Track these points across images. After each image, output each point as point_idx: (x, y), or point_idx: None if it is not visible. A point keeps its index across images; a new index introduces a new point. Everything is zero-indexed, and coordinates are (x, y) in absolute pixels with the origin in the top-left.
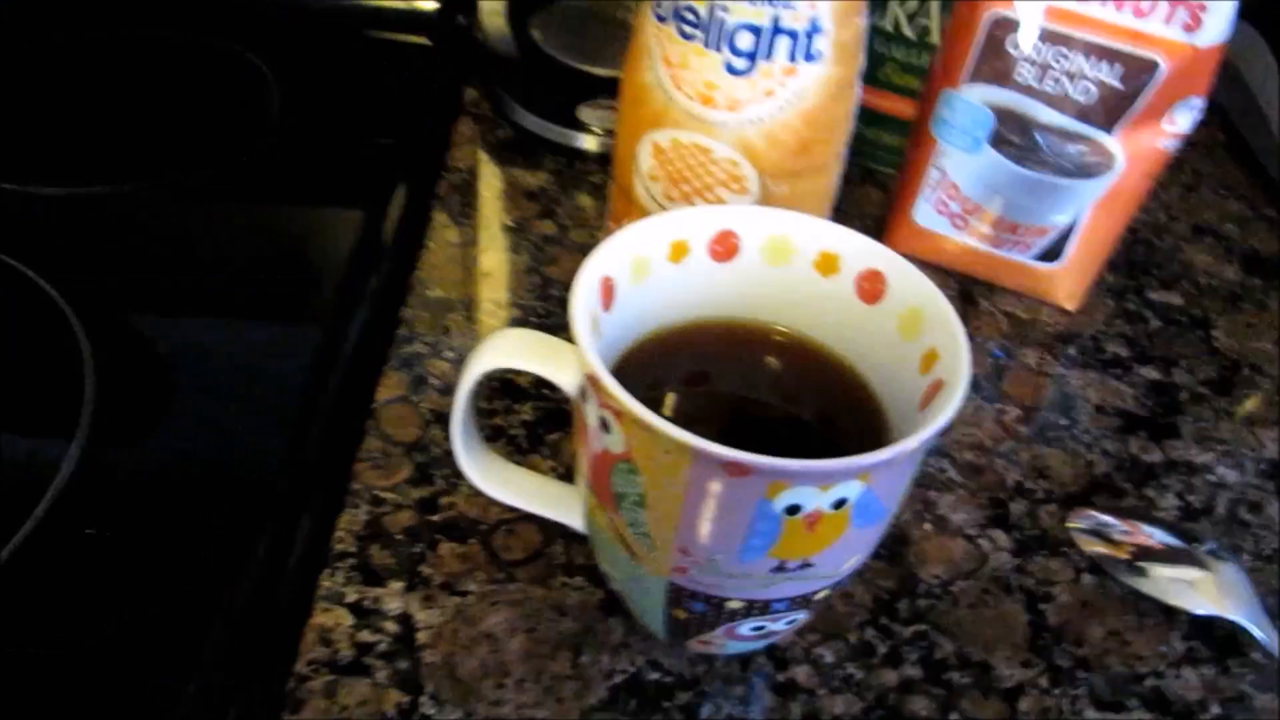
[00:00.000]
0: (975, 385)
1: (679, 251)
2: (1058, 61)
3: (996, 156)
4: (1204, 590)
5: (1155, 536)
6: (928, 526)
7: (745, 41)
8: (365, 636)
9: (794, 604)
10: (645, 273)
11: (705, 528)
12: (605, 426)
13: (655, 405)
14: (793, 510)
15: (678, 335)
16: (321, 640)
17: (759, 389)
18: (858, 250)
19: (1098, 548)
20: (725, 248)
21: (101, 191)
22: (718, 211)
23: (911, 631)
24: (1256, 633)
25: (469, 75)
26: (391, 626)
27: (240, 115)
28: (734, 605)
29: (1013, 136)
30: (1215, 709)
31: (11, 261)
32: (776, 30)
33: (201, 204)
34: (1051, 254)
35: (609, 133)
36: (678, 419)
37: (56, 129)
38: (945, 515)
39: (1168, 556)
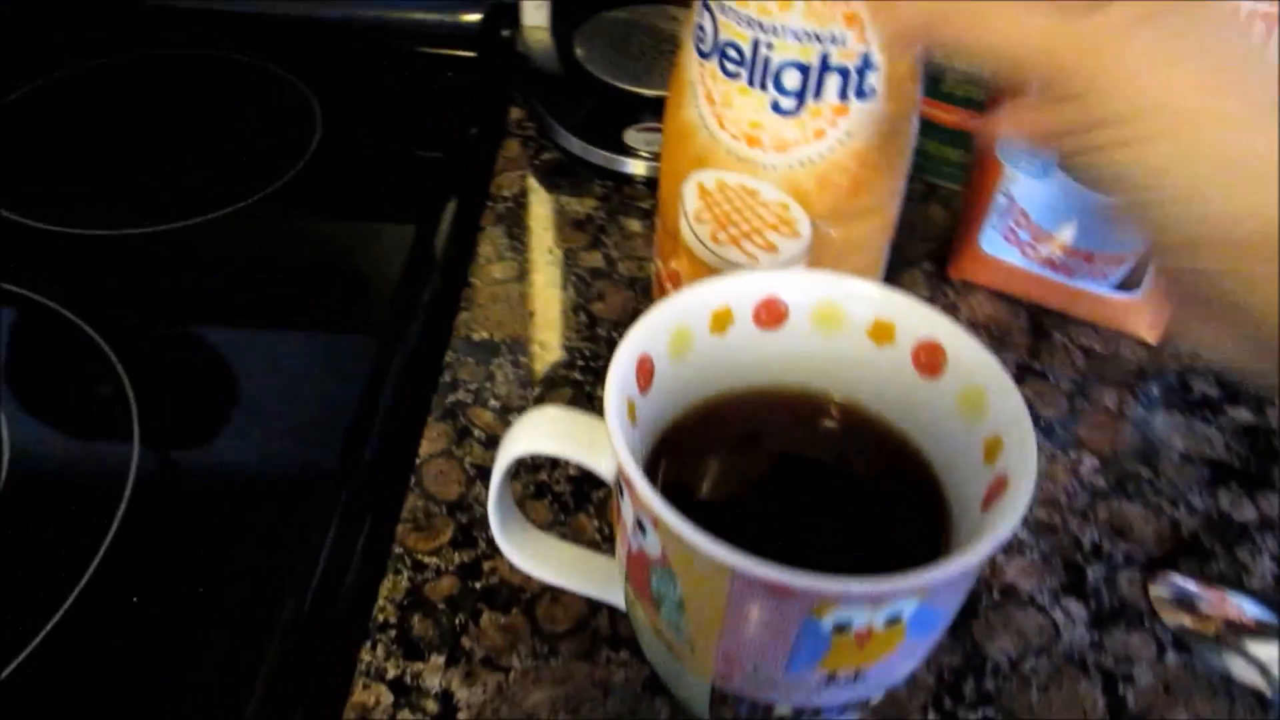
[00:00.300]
0: (1048, 430)
1: (722, 321)
2: None
3: (1069, 181)
4: None
5: (1247, 609)
6: (996, 595)
7: (792, 80)
8: (406, 716)
9: (847, 708)
10: (686, 347)
11: (749, 640)
12: (642, 528)
13: (695, 492)
14: (842, 628)
15: (723, 407)
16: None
17: (811, 468)
18: (915, 319)
19: (1183, 620)
20: (771, 315)
21: (151, 230)
22: (762, 278)
23: (978, 717)
24: None
25: (514, 92)
26: (432, 706)
27: (282, 135)
28: (782, 711)
29: None
30: None
31: (59, 307)
32: (825, 68)
33: (248, 227)
34: (1131, 283)
35: (657, 156)
36: (720, 510)
37: (98, 163)
38: (1015, 582)
39: (1261, 632)
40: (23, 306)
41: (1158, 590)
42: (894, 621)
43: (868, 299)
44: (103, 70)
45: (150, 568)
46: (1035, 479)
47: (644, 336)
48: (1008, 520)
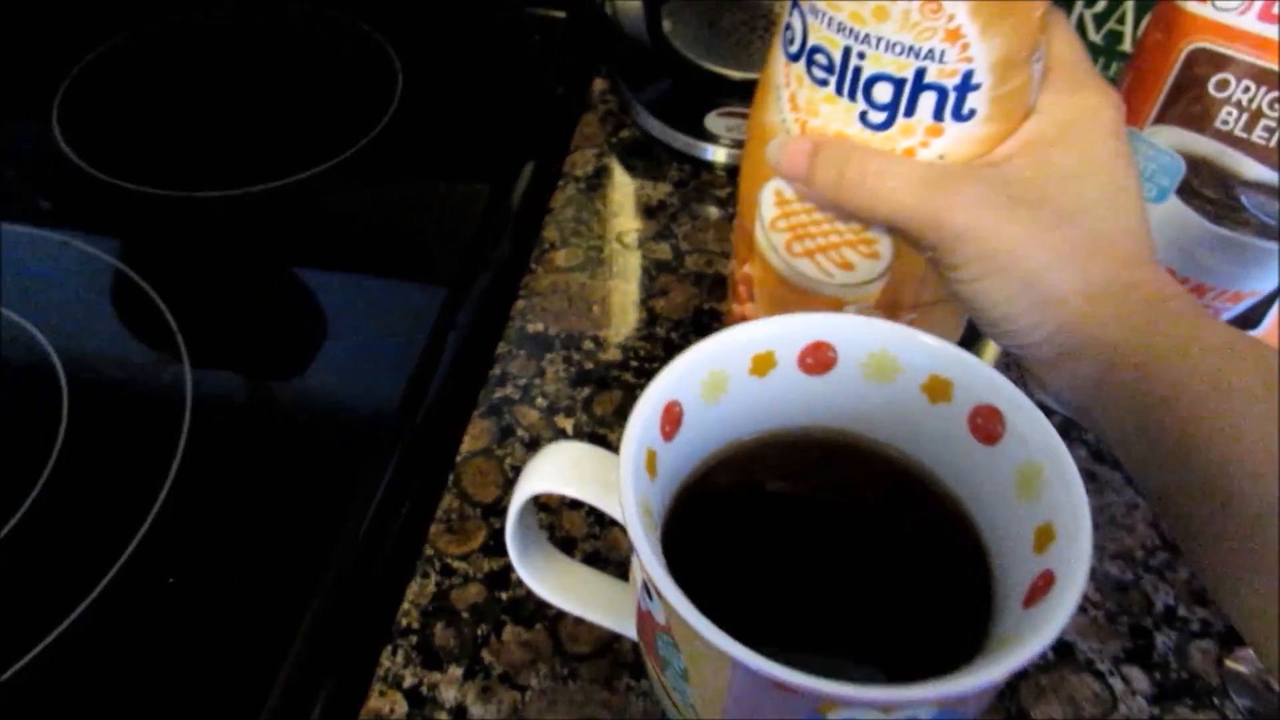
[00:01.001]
0: (1127, 479)
1: (763, 365)
2: (1272, 108)
3: (1185, 210)
4: None
5: None
6: (1050, 655)
7: (883, 94)
8: None
9: None
10: (722, 390)
11: None
12: (648, 592)
13: (716, 547)
14: None
15: (759, 450)
16: None
17: (848, 523)
18: (974, 380)
19: (1258, 702)
20: (818, 361)
21: (232, 193)
22: (809, 321)
23: None
24: None
25: (599, 60)
26: (445, 719)
27: (364, 95)
28: None
29: (1206, 190)
30: None
31: (137, 277)
32: (921, 84)
33: (331, 187)
34: (1247, 322)
35: (739, 144)
36: (739, 570)
37: (181, 122)
38: (1073, 642)
39: None
40: (100, 269)
41: (1235, 665)
42: None
43: (925, 352)
44: (188, 26)
45: (184, 550)
46: (1084, 585)
47: (672, 382)
48: (1049, 625)
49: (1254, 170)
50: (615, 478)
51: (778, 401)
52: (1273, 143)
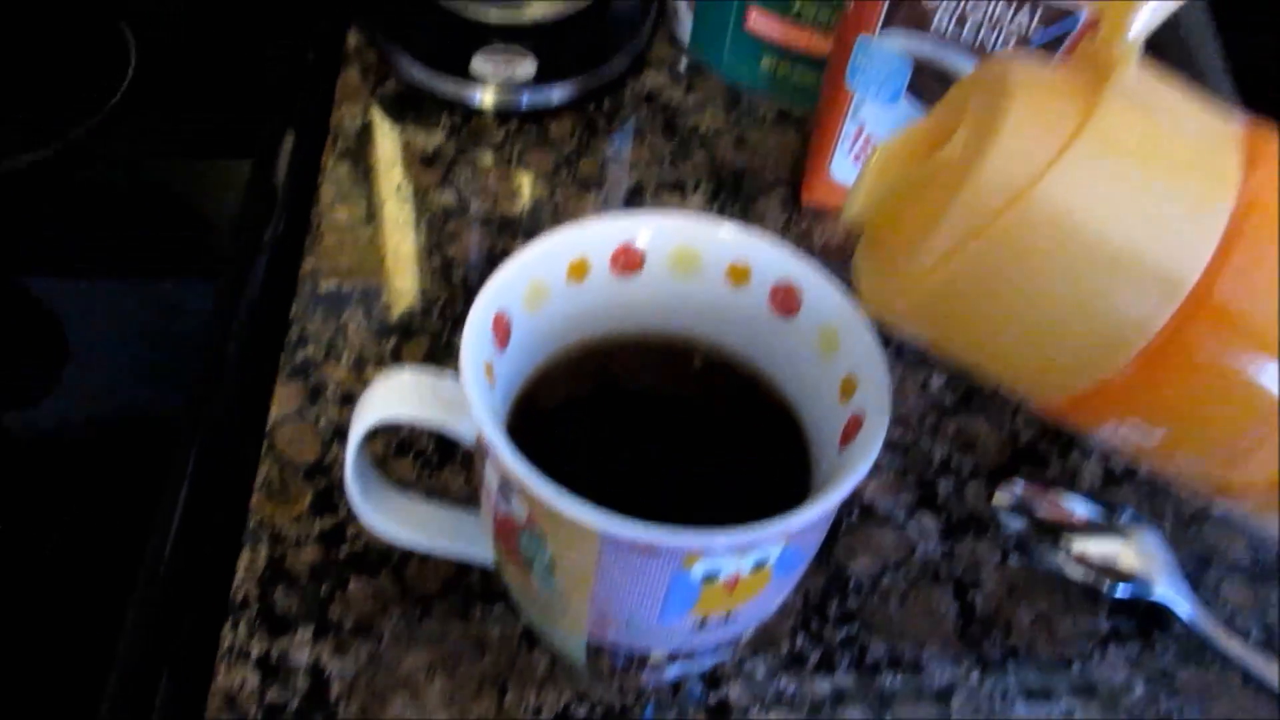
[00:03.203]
0: (899, 351)
1: (579, 271)
2: (975, 8)
3: (916, 109)
4: (1125, 562)
5: (1077, 509)
6: (855, 516)
7: None
8: (275, 696)
9: (720, 647)
10: (543, 298)
11: (620, 595)
12: (506, 493)
13: (560, 448)
14: (711, 577)
15: (584, 357)
16: (228, 704)
17: (675, 413)
18: (769, 261)
19: (1022, 524)
20: (629, 262)
21: None
22: (616, 224)
23: (843, 634)
24: (1174, 608)
25: (351, 18)
26: (302, 682)
27: (90, 71)
28: (658, 655)
29: (933, 86)
30: (1140, 689)
31: None
32: None
33: (58, 173)
34: None
35: (505, 86)
36: (586, 465)
37: None
38: (872, 502)
39: (1089, 529)
40: None
41: (1000, 498)
42: (760, 565)
43: (723, 242)
44: None
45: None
46: (888, 417)
47: (497, 293)
48: (863, 460)
49: (966, 66)
50: (452, 398)
51: (596, 307)
52: (978, 40)
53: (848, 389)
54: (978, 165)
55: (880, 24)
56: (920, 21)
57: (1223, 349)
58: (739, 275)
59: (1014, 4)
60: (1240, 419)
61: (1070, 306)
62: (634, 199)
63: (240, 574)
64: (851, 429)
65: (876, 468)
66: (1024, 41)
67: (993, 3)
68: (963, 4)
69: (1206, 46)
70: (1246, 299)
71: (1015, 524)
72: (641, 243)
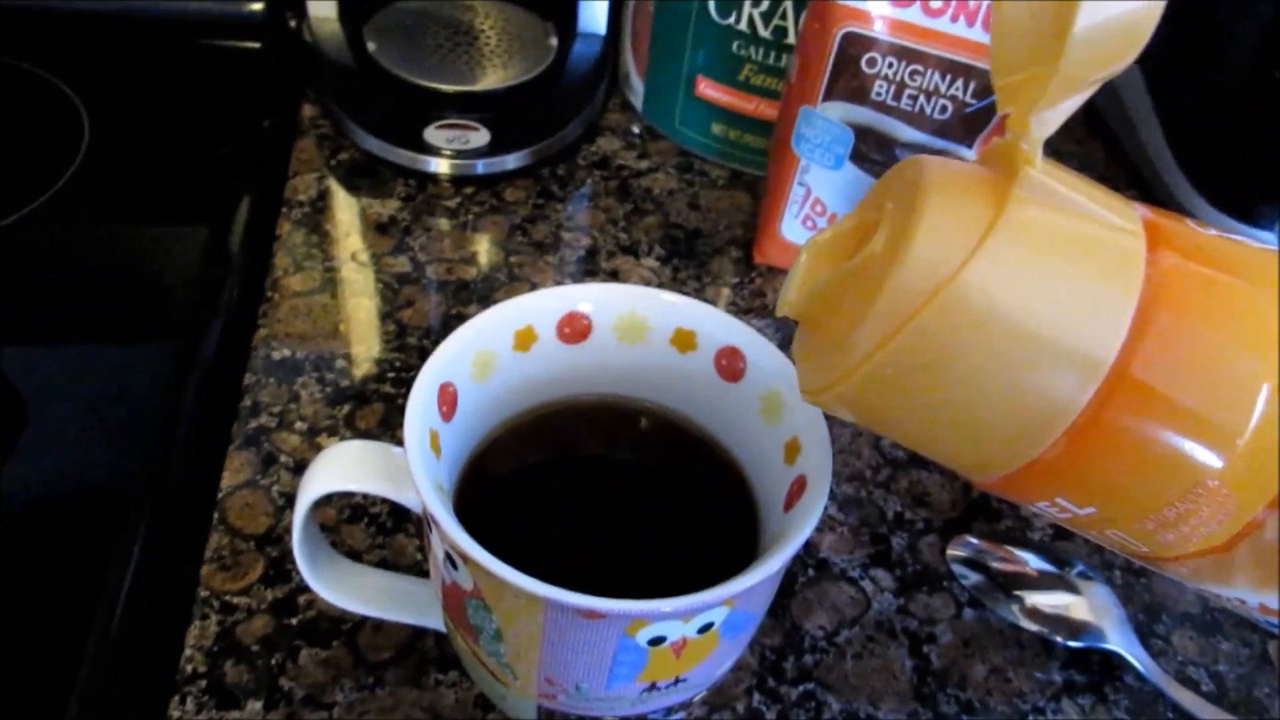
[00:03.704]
0: None
1: (525, 340)
2: (913, 79)
3: (859, 173)
4: (1077, 614)
5: (1030, 562)
6: (811, 572)
7: None
8: None
9: (672, 710)
10: (490, 368)
11: (568, 662)
12: (452, 562)
13: (507, 516)
14: (657, 641)
15: (532, 424)
16: None
17: (623, 478)
18: (714, 326)
19: (976, 578)
20: (575, 330)
21: None
22: (562, 293)
23: (799, 692)
24: (1127, 658)
25: (305, 87)
26: None
27: (44, 145)
28: None
29: (874, 154)
30: None
31: None
32: None
33: (13, 245)
34: None
35: (461, 155)
36: (532, 532)
37: None
38: (827, 558)
39: (1041, 583)
40: None
41: (954, 552)
42: (706, 629)
43: (668, 307)
44: None
45: None
46: (830, 479)
47: (443, 363)
48: (806, 523)
49: (906, 133)
50: (398, 468)
51: (544, 374)
52: (916, 109)
53: (791, 452)
54: (897, 263)
55: (821, 95)
56: (860, 92)
57: (1141, 424)
58: (684, 341)
59: (949, 75)
60: (1164, 492)
61: (994, 392)
62: (589, 261)
63: (189, 647)
64: (796, 491)
65: (831, 523)
66: (961, 108)
67: (929, 74)
68: (901, 75)
69: (1140, 101)
70: (1162, 375)
71: (970, 577)
72: (587, 310)
